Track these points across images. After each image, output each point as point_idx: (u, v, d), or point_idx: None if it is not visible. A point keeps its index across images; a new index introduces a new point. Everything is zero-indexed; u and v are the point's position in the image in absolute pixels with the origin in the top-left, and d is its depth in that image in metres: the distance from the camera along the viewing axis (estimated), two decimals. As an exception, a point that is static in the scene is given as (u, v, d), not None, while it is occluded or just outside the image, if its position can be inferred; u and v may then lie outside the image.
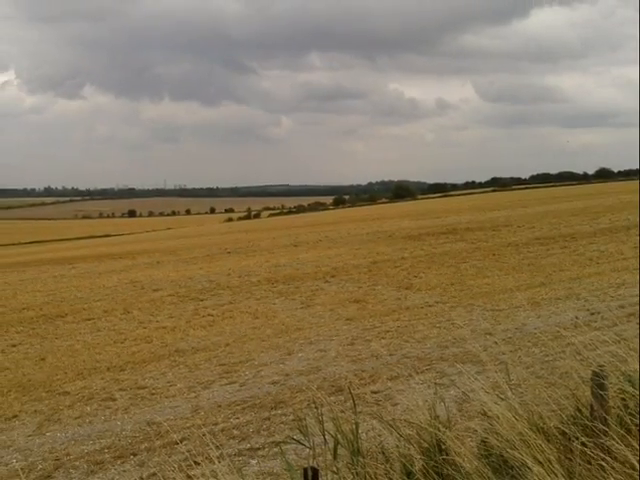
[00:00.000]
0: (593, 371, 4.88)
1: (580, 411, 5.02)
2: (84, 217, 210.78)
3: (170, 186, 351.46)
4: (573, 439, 4.50)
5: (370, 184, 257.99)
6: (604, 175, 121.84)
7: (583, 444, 4.33)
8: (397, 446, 4.87)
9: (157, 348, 12.90)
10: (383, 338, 12.33)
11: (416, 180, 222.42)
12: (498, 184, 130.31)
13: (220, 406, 9.24)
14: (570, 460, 4.29)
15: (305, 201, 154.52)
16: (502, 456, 4.46)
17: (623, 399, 5.08)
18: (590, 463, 4.19)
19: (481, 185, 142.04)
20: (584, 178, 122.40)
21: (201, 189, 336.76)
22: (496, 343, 10.63)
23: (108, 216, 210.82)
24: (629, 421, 4.73)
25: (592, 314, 12.52)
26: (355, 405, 5.65)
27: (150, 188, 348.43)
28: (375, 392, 9.14)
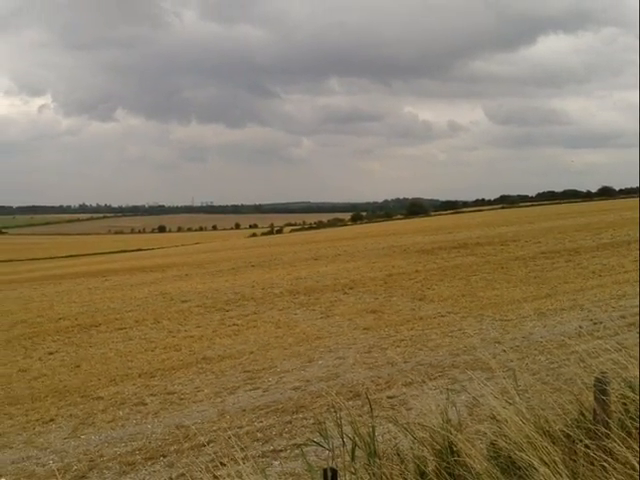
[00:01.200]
0: (596, 377, 4.88)
1: (584, 415, 5.02)
2: (117, 232, 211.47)
3: (198, 203, 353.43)
4: (577, 441, 4.51)
5: (386, 201, 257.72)
6: (606, 193, 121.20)
7: (586, 446, 4.33)
8: (411, 448, 4.89)
9: (185, 356, 12.95)
10: (398, 346, 12.33)
11: (429, 197, 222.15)
12: (506, 201, 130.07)
13: (245, 410, 9.26)
14: (574, 461, 4.29)
15: (325, 217, 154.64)
16: (510, 457, 4.47)
17: (624, 404, 5.07)
18: (593, 464, 4.20)
19: (490, 202, 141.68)
20: (587, 196, 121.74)
21: (227, 206, 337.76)
22: (504, 351, 10.62)
23: (139, 232, 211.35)
24: (630, 424, 4.72)
25: (595, 324, 12.45)
26: (372, 409, 5.68)
27: (179, 205, 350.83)
28: (390, 397, 9.13)
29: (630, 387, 5.22)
